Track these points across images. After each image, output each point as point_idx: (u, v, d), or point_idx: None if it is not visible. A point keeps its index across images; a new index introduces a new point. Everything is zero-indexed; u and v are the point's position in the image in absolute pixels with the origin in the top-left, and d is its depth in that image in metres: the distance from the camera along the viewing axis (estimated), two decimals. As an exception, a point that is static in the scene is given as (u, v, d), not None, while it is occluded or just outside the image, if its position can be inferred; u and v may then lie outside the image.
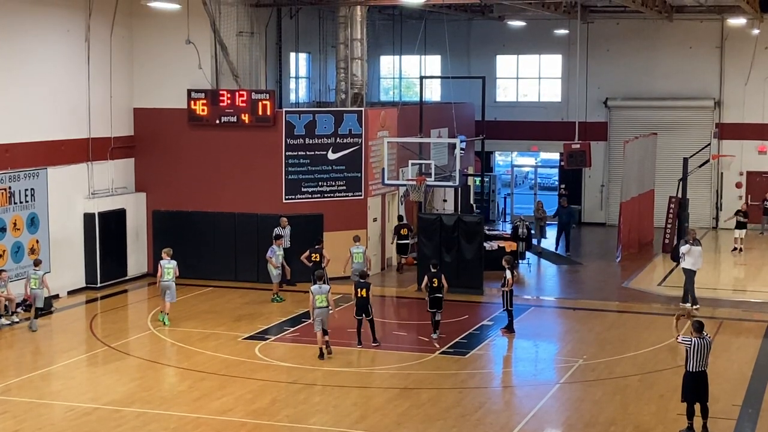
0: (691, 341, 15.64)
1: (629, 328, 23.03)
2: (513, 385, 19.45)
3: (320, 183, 27.64)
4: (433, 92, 40.78)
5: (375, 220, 28.68)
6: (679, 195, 32.56)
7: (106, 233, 26.70)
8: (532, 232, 31.63)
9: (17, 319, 22.80)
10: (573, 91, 35.09)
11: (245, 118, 27.08)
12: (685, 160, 32.70)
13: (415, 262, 28.57)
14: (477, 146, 33.76)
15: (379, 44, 37.31)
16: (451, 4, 31.86)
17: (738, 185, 36.96)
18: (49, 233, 25.19)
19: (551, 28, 37.83)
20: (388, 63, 41.11)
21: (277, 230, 26.20)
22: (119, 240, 27.34)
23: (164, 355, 20.87)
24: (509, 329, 22.32)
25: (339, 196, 27.82)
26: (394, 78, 41.17)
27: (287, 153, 27.26)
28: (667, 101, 37.53)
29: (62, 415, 16.72)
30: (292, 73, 34.33)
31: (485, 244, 27.24)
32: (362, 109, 28.35)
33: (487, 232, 29.32)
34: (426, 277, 22.00)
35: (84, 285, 26.47)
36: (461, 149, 27.89)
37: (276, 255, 25.06)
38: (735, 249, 32.64)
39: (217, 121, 27.29)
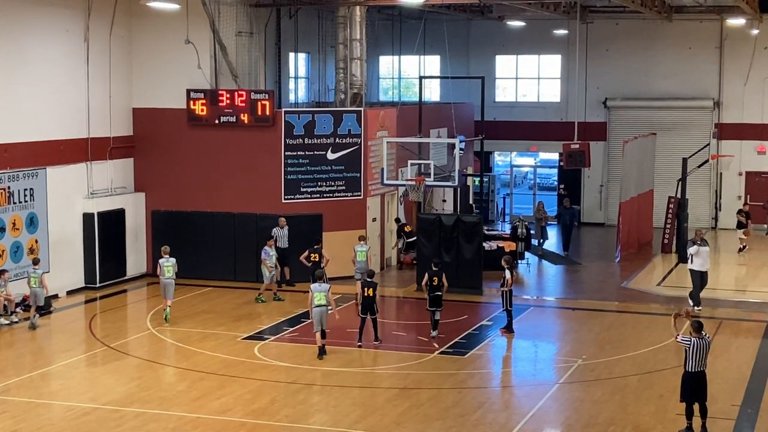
0: (691, 341, 15.64)
1: (628, 328, 23.04)
2: (512, 385, 19.44)
3: (319, 183, 27.64)
4: (433, 92, 40.79)
5: (374, 220, 28.68)
6: (679, 195, 32.59)
7: (105, 233, 26.70)
8: (532, 232, 31.63)
9: (16, 319, 22.81)
10: (572, 91, 35.11)
11: (244, 118, 27.08)
12: (685, 160, 32.72)
13: (412, 261, 28.66)
14: (476, 146, 33.78)
15: (378, 44, 37.30)
16: (451, 4, 31.86)
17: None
18: (48, 233, 25.18)
19: (550, 29, 37.84)
20: (387, 63, 41.12)
21: (275, 230, 26.23)
22: (118, 240, 27.34)
23: (163, 355, 20.86)
24: (508, 329, 22.33)
25: (338, 196, 27.82)
26: (393, 78, 41.18)
27: (286, 153, 27.27)
28: (667, 101, 37.54)
29: (61, 415, 16.71)
30: (292, 73, 34.34)
31: (484, 244, 27.26)
32: (361, 109, 28.35)
33: (486, 232, 29.36)
34: (426, 275, 22.03)
35: (83, 285, 26.47)
36: (460, 149, 27.92)
37: (270, 256, 25.10)
38: (742, 248, 32.66)
39: (217, 121, 27.29)
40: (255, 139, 27.33)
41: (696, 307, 23.96)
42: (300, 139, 27.35)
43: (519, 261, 29.70)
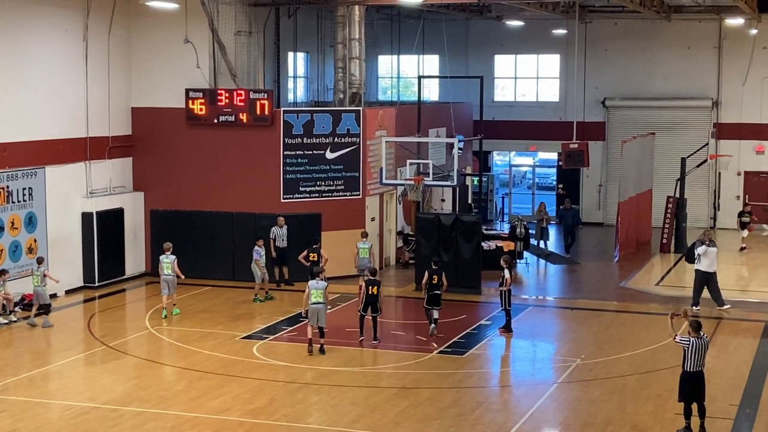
0: (689, 341, 15.65)
1: (627, 327, 23.04)
2: (510, 385, 19.45)
3: (318, 182, 27.64)
4: (431, 92, 40.78)
5: (373, 219, 28.69)
6: (677, 195, 32.61)
7: (104, 232, 26.70)
8: (531, 232, 31.63)
9: (15, 318, 22.81)
10: (571, 90, 35.12)
11: (243, 117, 27.08)
12: (683, 160, 32.76)
13: (409, 260, 28.72)
14: (475, 146, 33.78)
15: (377, 44, 37.27)
16: (450, 3, 31.86)
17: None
18: (47, 232, 25.18)
19: (549, 28, 37.84)
20: (386, 62, 41.11)
21: (274, 230, 26.24)
22: (117, 239, 27.34)
23: (162, 354, 20.87)
24: (507, 329, 22.33)
25: (337, 196, 27.83)
26: (392, 77, 41.17)
27: (285, 152, 27.27)
28: (665, 101, 37.55)
29: (60, 414, 16.72)
30: (290, 73, 34.34)
31: (483, 244, 27.27)
32: (360, 108, 28.35)
33: (485, 231, 29.37)
34: (426, 273, 22.03)
35: (82, 284, 26.48)
36: (459, 149, 27.90)
37: (261, 256, 25.14)
38: (743, 247, 32.69)
39: (215, 121, 27.28)
40: (254, 138, 27.33)
41: (694, 307, 23.96)
42: (299, 139, 27.35)
43: (518, 261, 29.71)
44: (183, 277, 23.64)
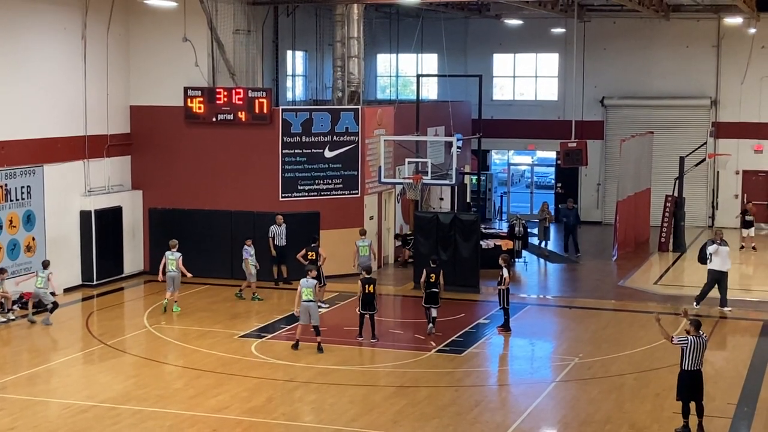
0: (688, 340, 15.65)
1: (625, 326, 23.05)
2: (509, 384, 19.45)
3: (317, 181, 27.64)
4: (430, 90, 40.76)
5: (371, 218, 28.69)
6: (676, 194, 32.61)
7: (102, 231, 26.69)
8: (530, 231, 31.60)
9: (13, 317, 22.81)
10: (570, 89, 35.12)
11: (242, 116, 27.07)
12: (682, 158, 32.76)
13: (409, 259, 28.71)
14: (473, 144, 33.77)
15: (375, 42, 37.29)
16: (448, 2, 31.85)
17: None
18: (46, 231, 25.18)
19: (548, 27, 37.84)
20: (384, 61, 41.10)
21: (272, 228, 26.25)
22: (115, 238, 27.33)
23: (160, 352, 20.84)
24: (505, 327, 22.33)
25: (335, 194, 27.83)
26: (390, 76, 41.15)
27: (284, 151, 27.26)
28: (664, 100, 37.55)
29: (58, 412, 16.71)
30: (289, 71, 34.33)
31: (482, 243, 27.27)
32: (359, 107, 28.35)
33: (483, 230, 29.36)
34: (424, 272, 22.04)
35: (80, 282, 26.47)
36: (458, 147, 27.88)
37: (252, 255, 25.17)
38: (743, 247, 32.66)
39: (214, 119, 27.28)
40: (252, 137, 27.32)
41: (695, 305, 23.93)
42: (297, 137, 27.35)
43: (516, 259, 29.71)
44: (189, 275, 23.69)
